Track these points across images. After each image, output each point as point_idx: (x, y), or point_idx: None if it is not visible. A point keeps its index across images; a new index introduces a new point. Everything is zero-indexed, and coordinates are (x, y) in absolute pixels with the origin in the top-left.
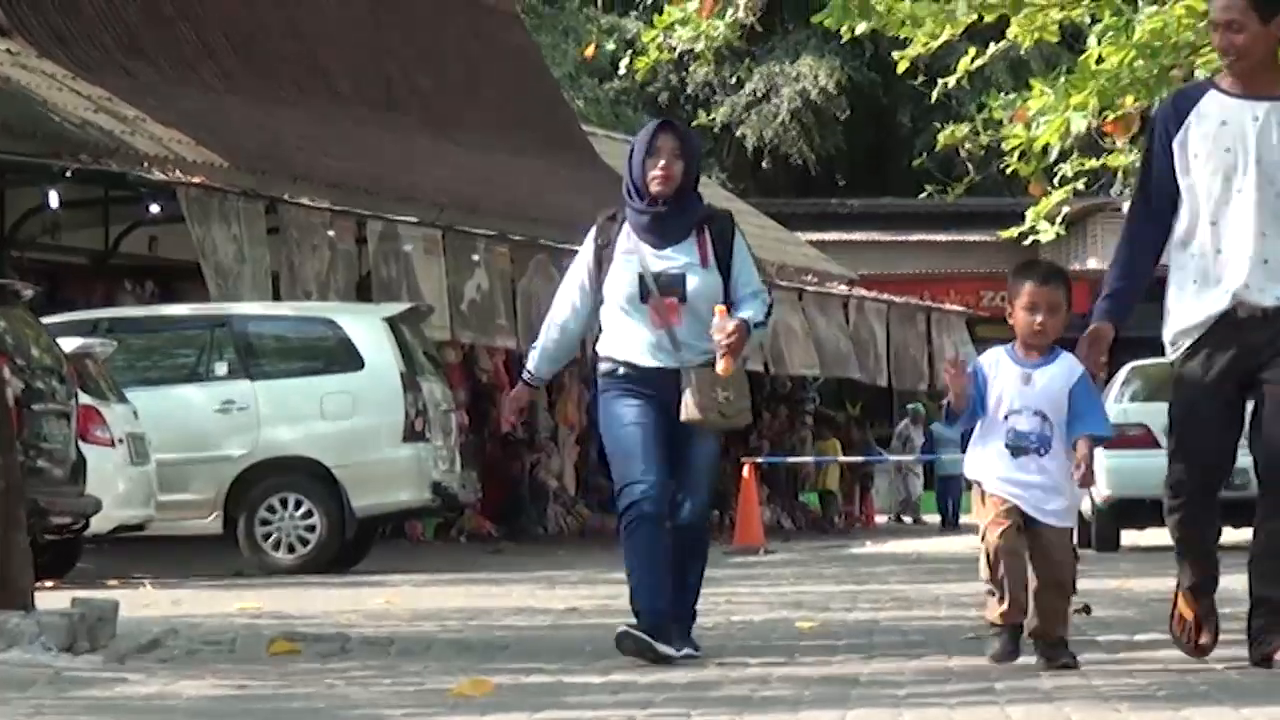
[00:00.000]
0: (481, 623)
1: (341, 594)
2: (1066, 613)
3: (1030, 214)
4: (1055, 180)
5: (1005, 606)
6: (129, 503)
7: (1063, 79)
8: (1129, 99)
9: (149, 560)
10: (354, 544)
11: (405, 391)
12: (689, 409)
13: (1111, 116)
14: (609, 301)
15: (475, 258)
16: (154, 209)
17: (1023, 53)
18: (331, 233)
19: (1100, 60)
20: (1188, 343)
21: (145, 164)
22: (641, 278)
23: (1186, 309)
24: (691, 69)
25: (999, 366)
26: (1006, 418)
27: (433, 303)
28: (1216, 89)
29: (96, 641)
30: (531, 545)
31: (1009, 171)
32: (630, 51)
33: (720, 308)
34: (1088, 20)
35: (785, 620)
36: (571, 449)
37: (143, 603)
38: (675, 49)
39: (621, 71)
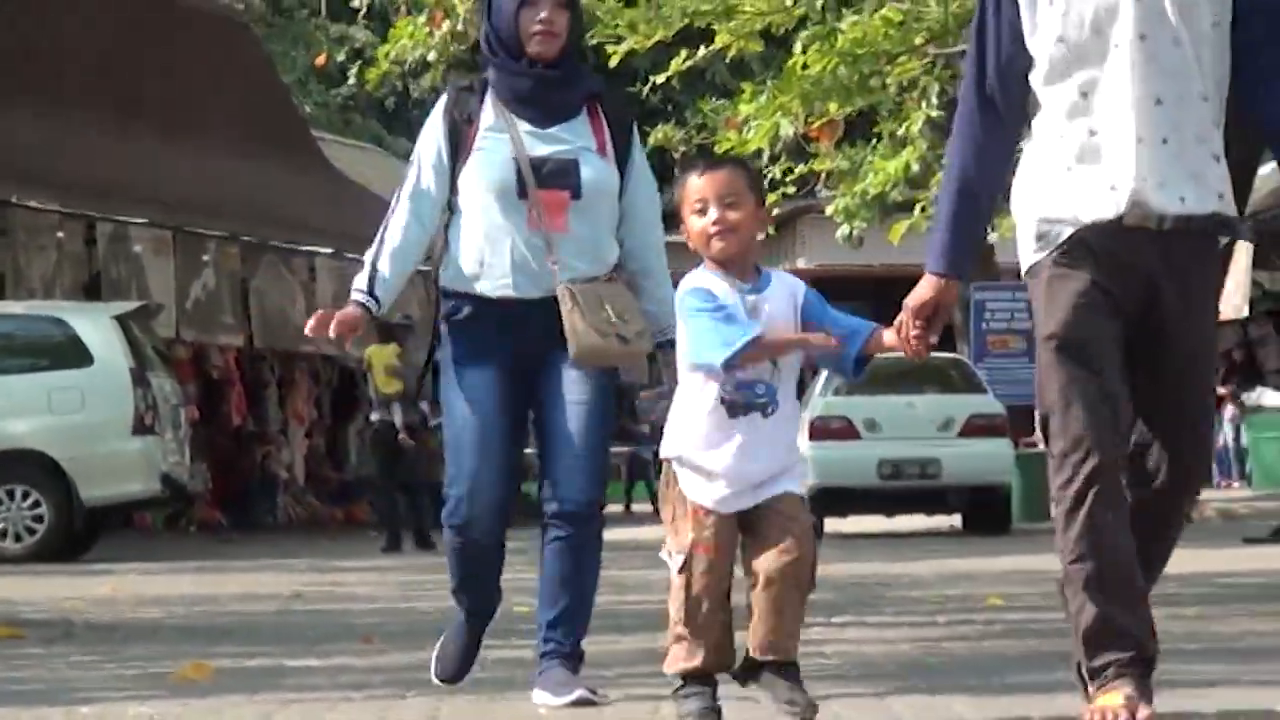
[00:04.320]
0: (207, 609)
1: (68, 582)
2: (796, 621)
3: None
4: (765, 183)
5: (703, 656)
6: None
7: (769, 84)
8: (832, 105)
9: None
10: (83, 534)
11: (134, 386)
12: (580, 337)
13: (817, 123)
14: (467, 202)
15: (205, 258)
16: None
17: (731, 60)
18: (60, 234)
19: (805, 67)
20: (1065, 234)
21: None
22: (517, 163)
23: (1058, 197)
24: (421, 78)
25: (720, 288)
26: None
27: (162, 301)
28: None
29: None
30: (261, 534)
31: None
32: (360, 62)
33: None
34: (793, 25)
35: (504, 605)
36: (301, 442)
37: None
38: (405, 61)
39: (351, 80)
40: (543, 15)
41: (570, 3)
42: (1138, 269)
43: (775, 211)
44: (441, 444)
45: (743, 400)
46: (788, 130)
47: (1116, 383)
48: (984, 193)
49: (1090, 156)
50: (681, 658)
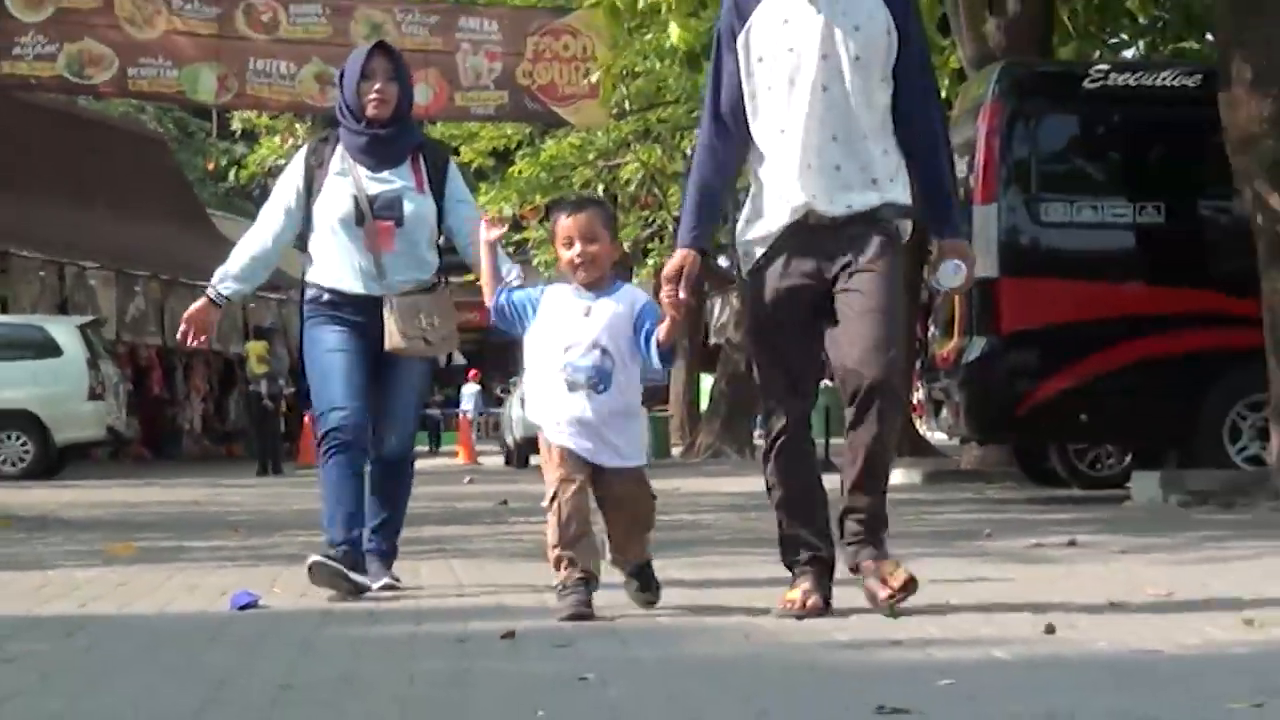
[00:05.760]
0: (134, 510)
1: (45, 493)
2: (643, 543)
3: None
4: None
5: (576, 565)
6: None
7: (497, 183)
8: (537, 196)
9: None
10: (56, 462)
11: (89, 369)
12: (393, 337)
13: (527, 207)
14: (319, 225)
15: (136, 289)
16: None
17: (474, 168)
18: (42, 273)
19: (520, 172)
20: (760, 251)
21: None
22: (356, 200)
23: (758, 219)
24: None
25: (559, 299)
26: (566, 350)
27: (108, 316)
28: None
29: None
30: (171, 464)
31: None
32: (237, 166)
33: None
34: (513, 146)
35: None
36: (199, 405)
37: None
38: (266, 165)
39: (230, 179)
40: (377, 87)
41: (398, 76)
42: (824, 250)
43: None
44: (290, 408)
45: (573, 378)
46: (508, 212)
47: (797, 359)
48: (717, 190)
49: (783, 178)
50: (562, 567)
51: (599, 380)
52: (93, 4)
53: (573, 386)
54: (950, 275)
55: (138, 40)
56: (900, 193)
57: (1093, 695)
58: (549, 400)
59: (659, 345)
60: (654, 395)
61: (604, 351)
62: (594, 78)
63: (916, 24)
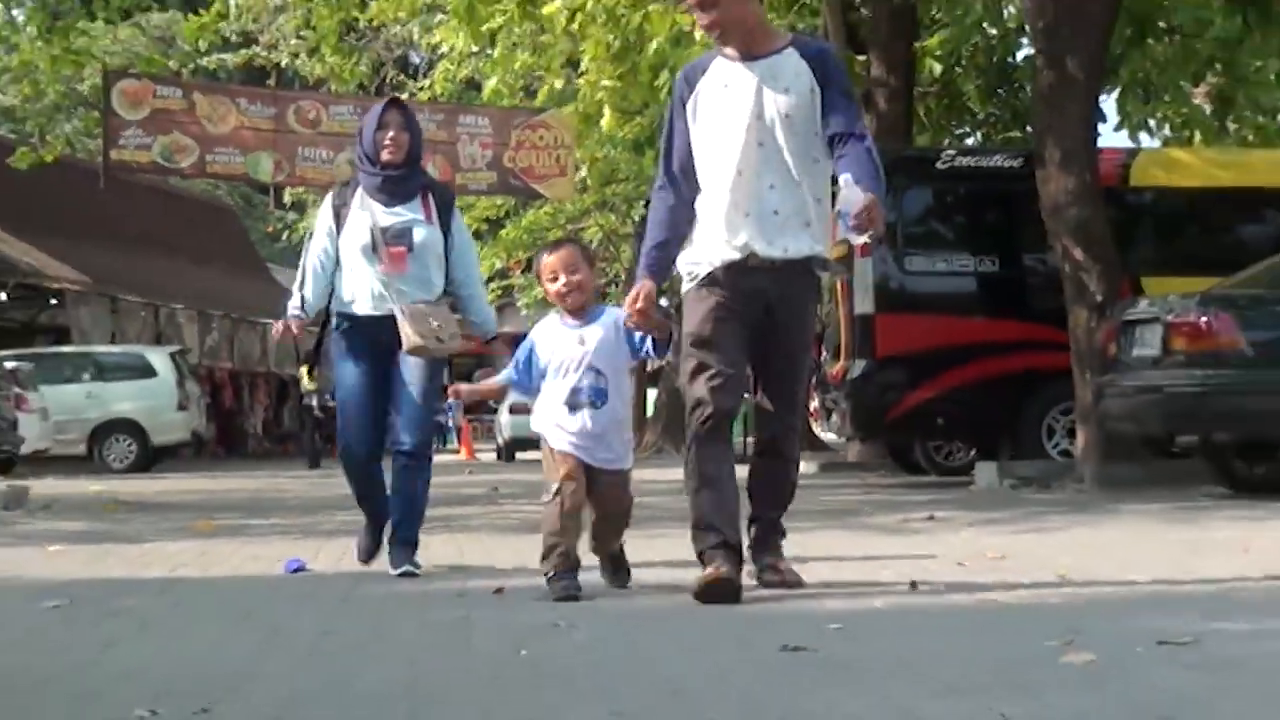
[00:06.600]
0: (211, 495)
1: (144, 483)
2: (620, 535)
3: None
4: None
5: (567, 555)
6: (41, 438)
7: (490, 242)
8: (520, 252)
9: (47, 467)
10: (153, 459)
11: (178, 387)
12: (409, 339)
13: (512, 260)
14: (345, 257)
15: (213, 325)
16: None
17: (474, 231)
18: (143, 313)
19: (508, 234)
20: (703, 271)
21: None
22: (373, 231)
23: (704, 247)
24: None
25: (552, 332)
26: (565, 376)
27: (191, 346)
28: (722, 55)
29: (19, 503)
30: (240, 460)
31: None
32: (289, 230)
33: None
34: (501, 215)
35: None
36: (260, 413)
37: (48, 489)
38: (312, 230)
39: (284, 240)
40: (390, 135)
41: (409, 126)
42: (757, 293)
43: (496, 304)
44: (332, 416)
45: (574, 400)
46: (499, 265)
47: (729, 363)
48: (673, 237)
49: (727, 222)
50: (555, 554)
51: (596, 398)
52: (180, 106)
53: (574, 407)
54: (852, 203)
55: (213, 134)
56: (825, 245)
57: (948, 636)
58: (555, 418)
59: (653, 343)
60: None
61: (598, 372)
62: (577, 165)
63: (838, 73)
